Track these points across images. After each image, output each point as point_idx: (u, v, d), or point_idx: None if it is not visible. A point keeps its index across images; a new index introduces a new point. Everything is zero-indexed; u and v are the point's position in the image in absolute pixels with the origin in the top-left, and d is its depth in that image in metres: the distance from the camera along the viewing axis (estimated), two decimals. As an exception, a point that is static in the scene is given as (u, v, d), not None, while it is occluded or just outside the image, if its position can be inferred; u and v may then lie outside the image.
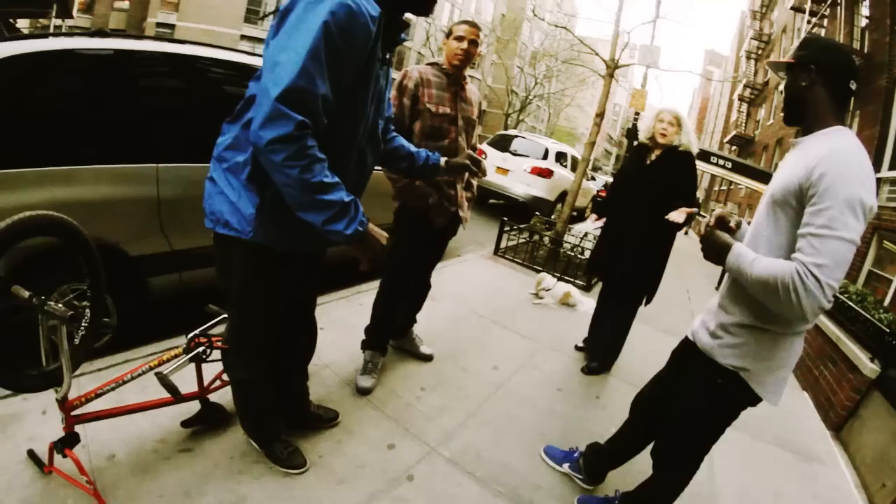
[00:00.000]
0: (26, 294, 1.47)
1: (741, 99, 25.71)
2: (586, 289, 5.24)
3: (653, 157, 3.03)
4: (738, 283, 1.47)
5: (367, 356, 2.60)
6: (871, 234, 7.55)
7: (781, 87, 1.52)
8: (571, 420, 2.70)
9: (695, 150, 2.96)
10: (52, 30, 12.76)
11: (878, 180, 7.91)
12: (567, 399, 2.92)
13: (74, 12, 14.95)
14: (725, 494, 2.38)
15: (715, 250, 1.44)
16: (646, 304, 3.21)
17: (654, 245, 3.02)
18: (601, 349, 3.35)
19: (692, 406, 1.62)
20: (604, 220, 3.38)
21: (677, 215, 2.76)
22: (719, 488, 2.40)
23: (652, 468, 1.83)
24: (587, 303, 4.51)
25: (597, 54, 7.05)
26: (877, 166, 8.09)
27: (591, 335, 3.53)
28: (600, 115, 6.39)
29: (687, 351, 1.71)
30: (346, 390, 2.46)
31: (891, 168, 7.89)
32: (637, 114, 11.84)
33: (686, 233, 16.38)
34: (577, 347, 3.62)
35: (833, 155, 1.23)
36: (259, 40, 28.18)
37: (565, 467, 2.22)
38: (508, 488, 2.06)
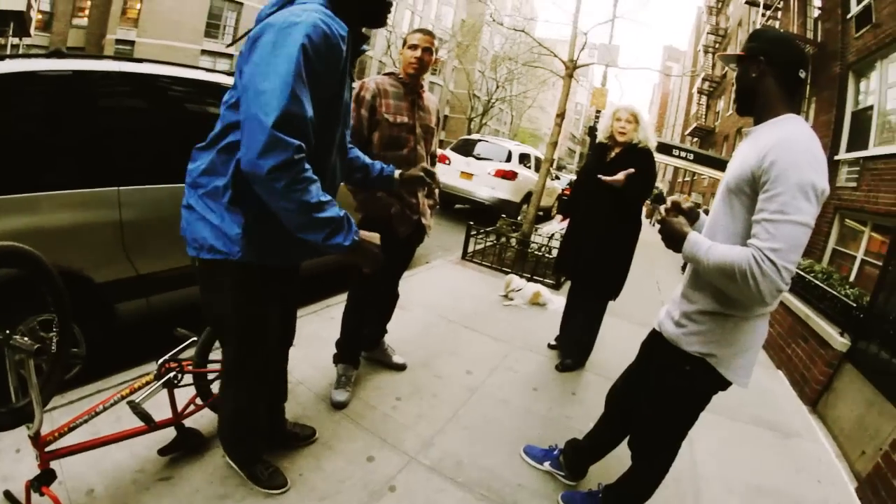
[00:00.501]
0: None
1: (700, 92, 26.44)
2: (556, 287, 5.32)
3: (612, 154, 3.08)
4: (697, 272, 1.51)
5: (340, 370, 2.60)
6: (833, 213, 7.87)
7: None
8: (549, 418, 2.74)
9: (653, 146, 3.03)
10: (9, 49, 12.27)
11: (837, 162, 8.22)
12: (543, 398, 2.96)
13: (32, 30, 14.37)
14: (708, 478, 2.44)
15: (671, 238, 1.47)
16: (613, 298, 3.27)
17: (617, 241, 3.09)
18: (574, 346, 3.41)
19: (663, 395, 1.65)
20: (567, 220, 3.45)
21: (615, 178, 2.85)
22: (702, 473, 2.46)
23: (631, 459, 1.86)
24: (557, 301, 4.57)
25: (556, 56, 7.17)
26: (834, 149, 8.41)
27: (563, 332, 3.59)
28: (561, 116, 6.50)
29: (654, 341, 1.75)
30: (321, 405, 2.45)
31: (848, 150, 8.23)
32: (598, 112, 12.09)
33: (652, 223, 16.68)
34: (549, 346, 3.68)
35: (783, 143, 1.27)
36: (220, 55, 27.76)
37: (546, 465, 2.26)
38: (491, 491, 2.08)
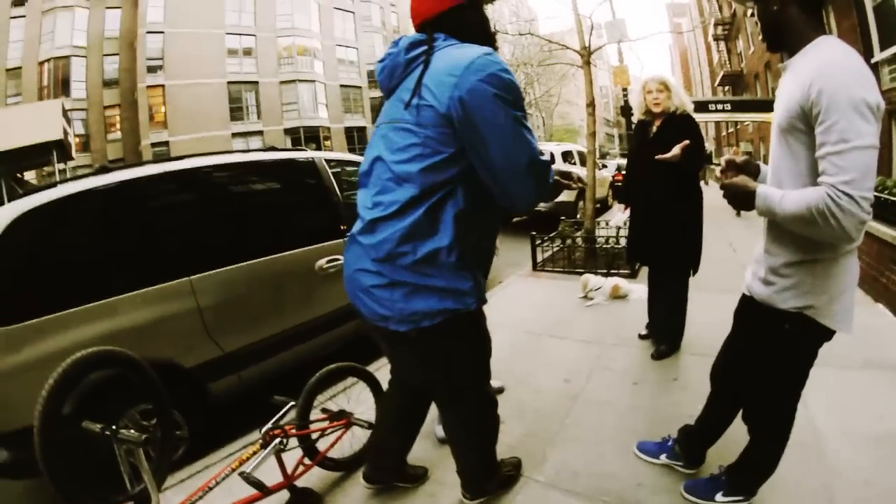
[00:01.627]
0: (97, 427, 1.53)
1: (716, 39, 25.49)
2: (632, 276, 5.13)
3: (654, 129, 3.01)
4: (775, 224, 1.43)
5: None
6: (889, 119, 7.21)
7: (750, 14, 1.50)
8: (656, 409, 2.61)
9: (690, 109, 2.94)
10: (57, 175, 13.48)
11: (875, 65, 7.60)
12: (646, 390, 2.83)
13: (73, 153, 15.80)
14: (829, 435, 2.24)
15: (739, 198, 1.41)
16: (693, 273, 3.13)
17: (683, 214, 2.97)
18: (665, 331, 3.26)
19: (768, 360, 1.56)
20: (629, 207, 3.37)
21: (672, 153, 2.72)
22: (821, 430, 2.27)
23: (748, 433, 1.75)
24: (638, 290, 4.40)
25: (568, 48, 7.10)
26: (868, 52, 7.76)
27: (652, 320, 3.45)
28: (591, 105, 6.39)
29: (747, 307, 1.65)
30: (426, 443, 2.41)
31: (882, 48, 7.59)
32: (625, 90, 11.80)
33: (706, 182, 15.95)
34: (640, 336, 3.52)
35: (824, 68, 1.20)
36: (249, 134, 29.29)
37: (663, 458, 2.13)
38: (612, 495, 1.99)
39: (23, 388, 1.94)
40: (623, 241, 5.48)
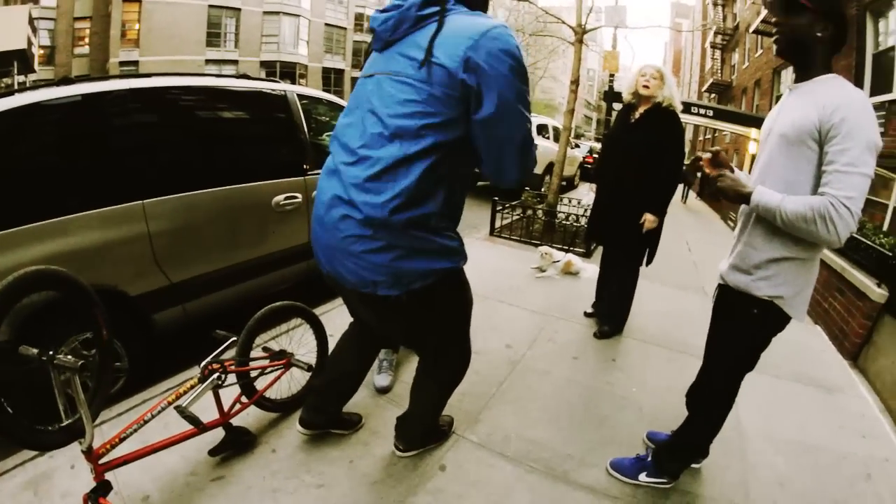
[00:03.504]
0: (34, 352, 1.46)
1: (714, 46, 25.52)
2: (587, 255, 5.25)
3: (637, 115, 3.02)
4: (763, 223, 1.57)
5: (382, 355, 2.60)
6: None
7: (754, 28, 1.60)
8: (591, 387, 2.71)
9: (678, 107, 2.94)
10: (16, 86, 12.63)
11: None
12: (584, 366, 2.93)
13: (36, 66, 14.75)
14: (753, 436, 2.40)
15: (731, 194, 1.55)
16: (647, 263, 3.21)
17: (646, 203, 3.01)
18: (610, 312, 3.36)
19: (728, 341, 1.72)
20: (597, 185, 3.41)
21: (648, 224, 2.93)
22: (746, 430, 2.43)
23: (688, 412, 1.87)
24: (590, 269, 4.52)
25: (563, 22, 7.00)
26: None
27: (599, 300, 3.55)
28: (575, 82, 6.36)
29: (721, 296, 1.78)
30: (364, 392, 2.44)
31: (872, 94, 7.86)
32: (612, 76, 11.78)
33: (684, 201, 16.35)
34: (586, 314, 3.63)
35: (850, 104, 1.37)
36: (223, 62, 27.91)
37: (643, 478, 2.02)
38: (540, 462, 2.07)
39: None
40: (583, 221, 5.59)
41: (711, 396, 1.81)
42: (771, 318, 1.61)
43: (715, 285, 1.82)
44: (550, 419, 2.37)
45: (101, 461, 1.60)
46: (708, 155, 1.67)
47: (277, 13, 29.73)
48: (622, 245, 3.15)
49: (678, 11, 49.41)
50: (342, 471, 1.95)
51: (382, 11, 1.43)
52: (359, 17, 34.83)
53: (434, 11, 1.35)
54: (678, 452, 1.94)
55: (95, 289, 1.66)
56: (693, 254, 6.46)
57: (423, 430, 2.06)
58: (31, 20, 13.46)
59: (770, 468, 2.21)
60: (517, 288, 4.16)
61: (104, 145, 2.40)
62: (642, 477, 1.99)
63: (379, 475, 1.94)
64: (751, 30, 16.56)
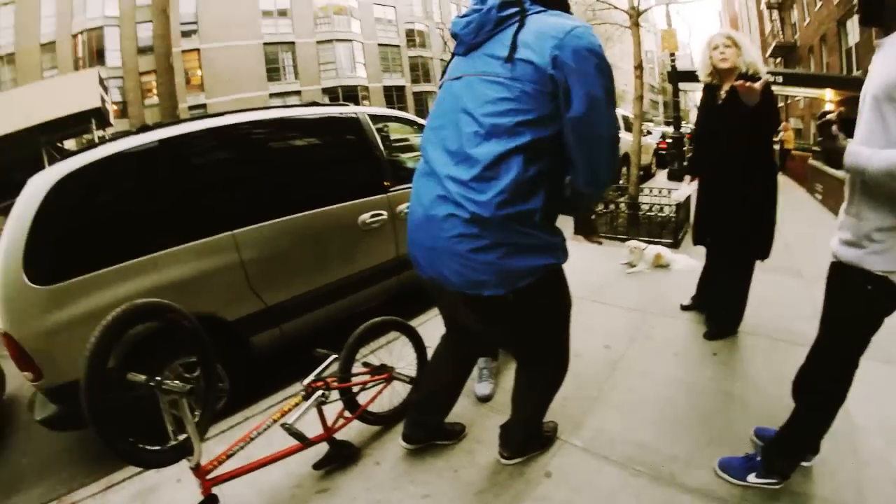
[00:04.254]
0: (142, 378, 1.56)
1: (769, 6, 23.83)
2: (674, 245, 5.00)
3: (723, 93, 2.69)
4: (867, 189, 1.43)
5: (481, 363, 2.56)
6: None
7: None
8: (694, 384, 2.55)
9: (762, 70, 2.61)
10: (96, 139, 13.90)
11: None
12: (685, 363, 2.76)
13: (111, 119, 16.21)
14: (865, 429, 2.14)
15: (832, 155, 1.44)
16: (763, 258, 2.83)
17: (753, 191, 2.66)
18: (720, 313, 3.05)
19: (843, 319, 1.58)
20: (696, 180, 3.07)
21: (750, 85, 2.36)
22: (857, 423, 2.16)
23: (795, 403, 1.72)
24: (681, 260, 4.31)
25: (616, 7, 6.79)
26: None
27: (700, 296, 3.27)
28: (639, 67, 6.13)
29: (833, 273, 1.63)
30: (466, 401, 2.41)
31: None
32: (672, 55, 11.27)
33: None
34: (682, 307, 3.39)
35: None
36: (287, 94, 29.31)
37: (752, 478, 1.87)
38: (646, 465, 1.97)
39: (70, 344, 2.02)
40: (667, 210, 5.32)
41: (822, 382, 1.66)
42: (885, 297, 1.47)
43: (811, 264, 1.68)
44: (654, 420, 2.25)
45: (209, 476, 1.68)
46: (837, 111, 1.53)
47: (330, 41, 30.85)
48: (736, 241, 2.78)
49: (726, -25, 46.43)
50: (447, 481, 1.93)
51: (462, 16, 1.46)
52: (410, 34, 35.48)
53: (514, 12, 1.37)
54: (787, 448, 1.78)
55: (196, 316, 1.76)
56: (783, 234, 5.97)
57: (528, 437, 2.01)
58: (101, 80, 14.78)
59: (885, 465, 1.96)
60: (609, 285, 4.03)
61: (189, 184, 2.56)
62: (751, 478, 1.84)
63: (484, 484, 1.91)
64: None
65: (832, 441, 1.82)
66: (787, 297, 3.54)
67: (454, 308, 1.73)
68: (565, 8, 1.47)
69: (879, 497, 1.82)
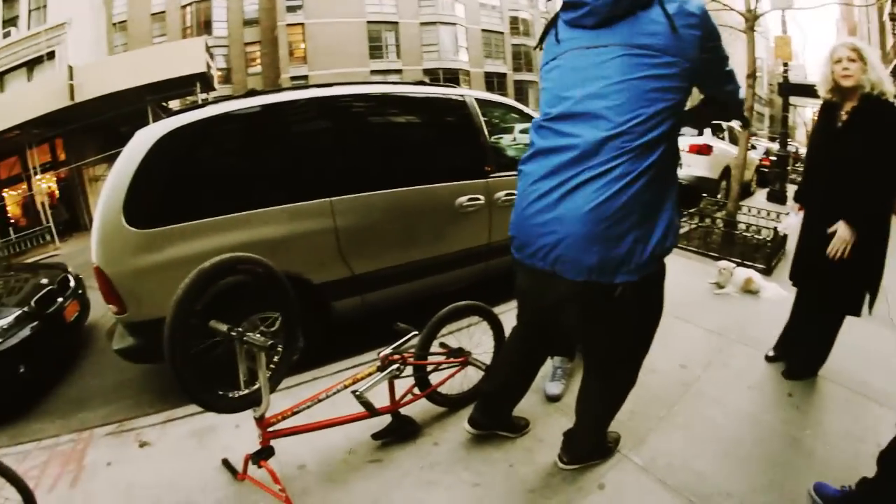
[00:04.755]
0: (224, 328, 1.64)
1: (893, 18, 21.22)
2: (767, 272, 4.68)
3: (844, 115, 2.36)
4: None
5: (556, 362, 2.55)
6: None
7: None
8: (764, 422, 2.42)
9: (891, 92, 2.26)
10: (199, 101, 14.88)
11: None
12: (758, 398, 2.62)
13: (215, 84, 17.30)
14: None
15: None
16: (870, 308, 2.52)
17: (864, 231, 2.32)
18: (805, 355, 2.79)
19: None
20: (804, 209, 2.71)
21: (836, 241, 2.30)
22: None
23: (879, 470, 1.60)
24: (770, 288, 4.02)
25: (732, 9, 6.36)
26: None
27: (785, 344, 2.94)
28: (752, 76, 5.72)
29: None
30: (535, 398, 2.40)
31: None
32: (785, 64, 10.40)
33: None
34: (767, 358, 2.98)
35: None
36: (388, 72, 29.69)
37: None
38: (700, 497, 1.90)
39: (156, 286, 2.21)
40: (764, 233, 4.99)
41: None
42: None
43: None
44: (717, 452, 2.16)
45: (271, 429, 1.77)
46: None
47: (434, 23, 31.04)
48: (834, 288, 2.48)
49: (847, -18, 41.81)
50: (501, 473, 1.96)
51: None
52: (514, 21, 34.98)
53: None
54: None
55: (285, 275, 1.84)
56: (885, 278, 5.43)
57: (590, 447, 2.00)
58: (208, 48, 15.81)
59: None
60: (694, 304, 3.85)
61: (293, 149, 2.69)
62: None
63: (537, 483, 1.92)
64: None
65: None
66: (875, 349, 3.23)
67: (556, 307, 1.65)
68: None
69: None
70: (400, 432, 2.11)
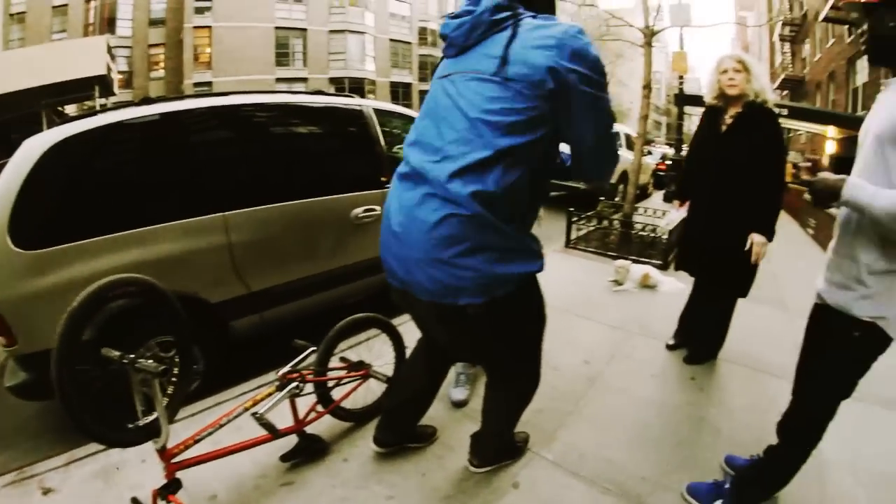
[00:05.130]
0: (116, 354, 1.52)
1: (782, 39, 24.00)
2: (663, 267, 5.00)
3: (728, 119, 2.59)
4: (862, 229, 1.40)
5: (459, 368, 2.55)
6: None
7: (823, 16, 1.49)
8: (670, 406, 2.56)
9: (771, 99, 2.52)
10: (97, 108, 13.74)
11: None
12: (662, 385, 2.77)
13: (115, 89, 16.05)
14: (834, 465, 2.14)
15: (827, 192, 1.38)
16: (742, 296, 2.77)
17: (752, 222, 2.55)
18: (702, 341, 3.02)
19: (828, 367, 1.55)
20: (687, 204, 2.96)
21: (756, 249, 2.51)
22: (827, 459, 2.15)
23: (779, 439, 1.70)
24: (668, 282, 4.31)
25: (631, 25, 6.80)
26: None
27: (682, 329, 3.17)
28: (647, 87, 6.13)
29: (817, 315, 1.61)
30: (440, 405, 2.38)
31: None
32: (681, 77, 11.31)
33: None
34: (668, 346, 3.21)
35: None
36: (293, 80, 29.16)
37: None
38: (615, 484, 1.97)
39: (47, 312, 1.95)
40: (658, 231, 5.32)
41: (806, 426, 1.64)
42: (874, 342, 1.45)
43: (797, 298, 1.66)
44: (627, 439, 2.25)
45: (174, 460, 1.65)
46: (808, 164, 1.53)
47: (343, 31, 30.71)
48: (725, 275, 2.70)
49: (742, 4, 46.85)
50: (414, 483, 1.92)
51: (454, 17, 1.43)
52: (422, 32, 35.35)
53: (507, 16, 1.35)
54: (764, 483, 1.77)
55: (177, 296, 1.72)
56: (771, 263, 6.00)
57: (498, 448, 2.00)
58: (109, 48, 14.66)
59: (850, 500, 1.99)
60: (594, 301, 4.03)
61: (185, 161, 2.52)
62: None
63: (451, 490, 1.90)
64: (820, 18, 15.42)
65: (800, 476, 1.82)
66: (769, 329, 3.56)
67: (423, 320, 1.70)
68: (552, 12, 1.48)
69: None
70: (308, 452, 2.03)
